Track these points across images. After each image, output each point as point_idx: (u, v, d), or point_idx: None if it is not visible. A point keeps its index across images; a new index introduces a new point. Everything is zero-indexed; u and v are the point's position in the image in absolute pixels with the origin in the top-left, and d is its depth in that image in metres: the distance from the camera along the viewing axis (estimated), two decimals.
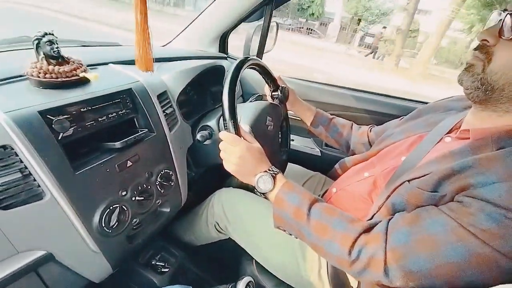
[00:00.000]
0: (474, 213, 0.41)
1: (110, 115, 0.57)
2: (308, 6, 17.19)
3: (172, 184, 0.70)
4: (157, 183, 0.65)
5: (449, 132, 0.61)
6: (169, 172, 0.69)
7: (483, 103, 0.51)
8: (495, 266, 0.39)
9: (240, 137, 0.60)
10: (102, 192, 0.53)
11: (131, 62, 0.75)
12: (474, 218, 0.41)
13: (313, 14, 17.92)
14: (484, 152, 0.47)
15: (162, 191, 0.67)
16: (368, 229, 0.52)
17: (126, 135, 0.58)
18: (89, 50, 0.84)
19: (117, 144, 0.55)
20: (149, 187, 0.63)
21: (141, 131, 0.62)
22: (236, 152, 0.58)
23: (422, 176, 0.50)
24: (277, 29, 1.24)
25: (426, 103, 0.81)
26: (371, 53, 14.30)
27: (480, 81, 0.49)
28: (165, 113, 0.70)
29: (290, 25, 19.10)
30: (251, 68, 0.73)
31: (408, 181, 0.52)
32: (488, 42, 0.48)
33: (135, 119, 0.64)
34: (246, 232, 0.78)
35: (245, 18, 1.09)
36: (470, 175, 0.44)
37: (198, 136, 0.77)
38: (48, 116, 0.45)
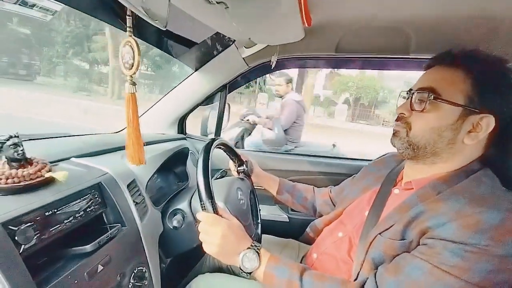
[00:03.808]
0: (440, 252, 0.48)
1: (77, 215, 0.52)
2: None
3: (146, 283, 0.62)
4: (130, 286, 0.57)
5: (395, 185, 0.72)
6: (142, 270, 0.61)
7: (414, 159, 0.63)
8: None
9: (220, 216, 0.60)
10: None
11: (94, 154, 0.73)
12: (442, 256, 0.47)
13: None
14: (429, 198, 0.56)
15: None
16: None
17: (94, 234, 0.52)
18: (40, 144, 0.78)
19: (88, 248, 0.49)
20: None
21: (111, 227, 0.57)
22: (218, 232, 0.57)
23: (389, 228, 0.57)
24: (229, 110, 1.38)
25: (370, 160, 0.95)
26: None
27: (407, 143, 0.62)
28: (135, 203, 0.66)
29: None
30: (217, 147, 0.78)
31: (380, 234, 0.58)
32: (405, 114, 0.63)
33: (103, 214, 0.59)
34: None
35: (202, 102, 1.21)
36: (425, 219, 0.52)
37: (175, 222, 0.72)
38: (10, 227, 0.39)
